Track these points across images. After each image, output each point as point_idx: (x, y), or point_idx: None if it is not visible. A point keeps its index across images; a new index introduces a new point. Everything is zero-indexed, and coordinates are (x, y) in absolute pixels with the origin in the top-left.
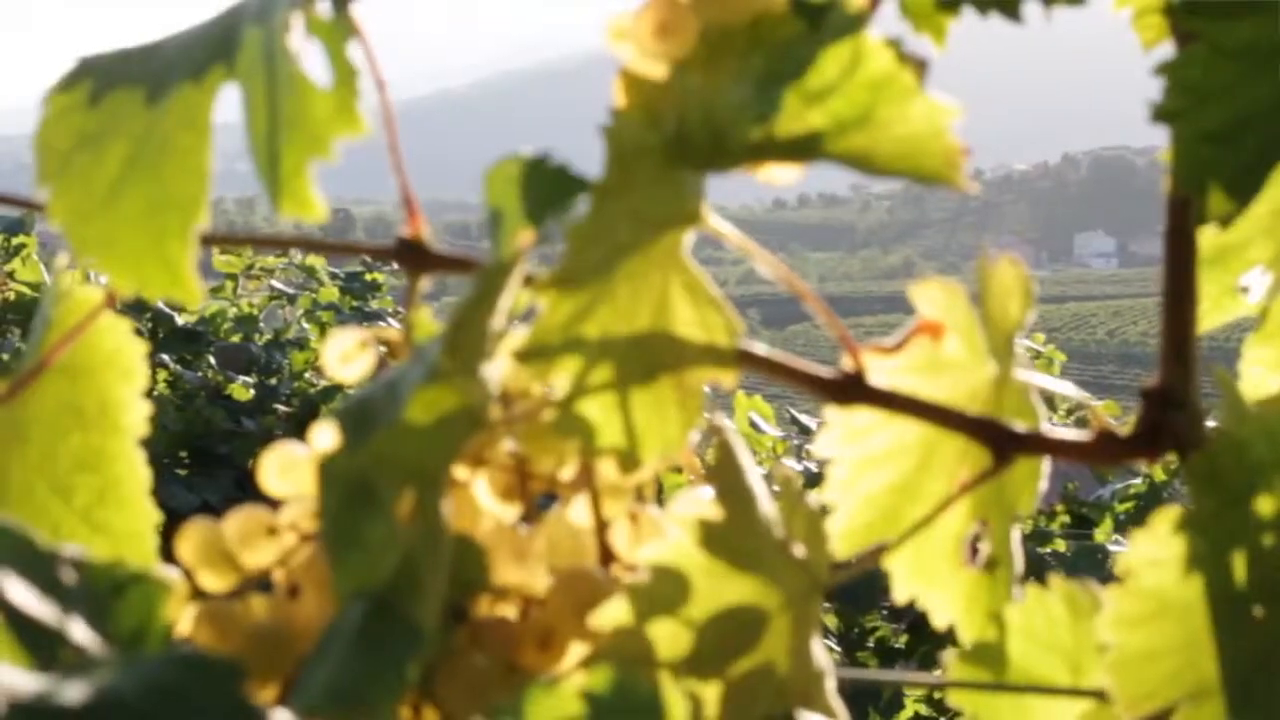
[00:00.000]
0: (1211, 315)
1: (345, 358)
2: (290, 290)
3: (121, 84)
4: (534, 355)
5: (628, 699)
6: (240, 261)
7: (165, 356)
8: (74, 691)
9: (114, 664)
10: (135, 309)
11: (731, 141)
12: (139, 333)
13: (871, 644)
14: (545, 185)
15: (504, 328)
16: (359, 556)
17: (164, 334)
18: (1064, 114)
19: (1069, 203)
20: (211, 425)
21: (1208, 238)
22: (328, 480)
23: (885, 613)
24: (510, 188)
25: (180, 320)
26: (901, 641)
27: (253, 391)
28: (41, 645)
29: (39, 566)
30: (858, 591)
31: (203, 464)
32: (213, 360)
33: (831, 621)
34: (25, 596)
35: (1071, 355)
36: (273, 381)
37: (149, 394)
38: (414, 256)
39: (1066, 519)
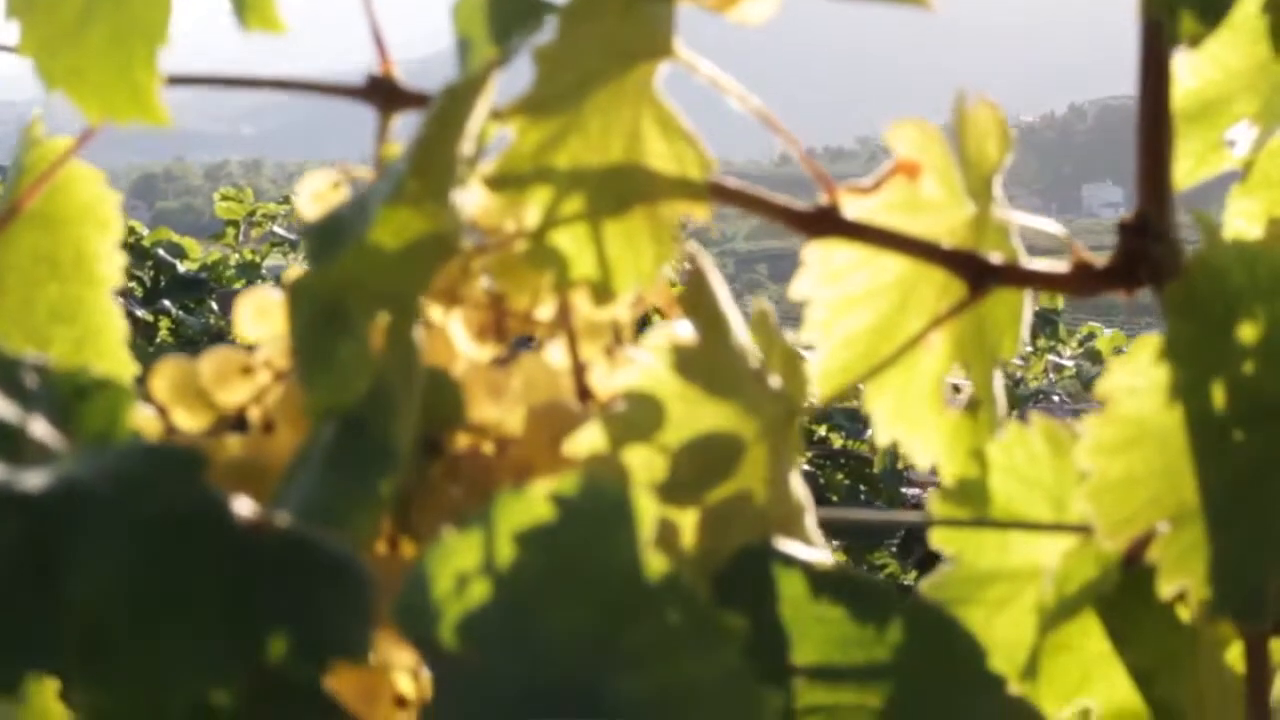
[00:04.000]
0: (1197, 170)
1: (318, 198)
2: (292, 236)
3: None
4: (504, 183)
5: (597, 501)
6: (242, 208)
7: (167, 303)
8: (36, 479)
9: (76, 456)
10: (137, 256)
11: None
12: (140, 281)
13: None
14: (512, 10)
15: (473, 154)
16: (330, 375)
17: (166, 281)
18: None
19: (1076, 153)
20: None
21: (1192, 94)
22: (297, 298)
23: (894, 550)
24: (477, 15)
25: (182, 268)
26: (910, 578)
27: None
28: (2, 443)
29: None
30: (866, 529)
31: None
32: (215, 307)
33: (840, 558)
34: None
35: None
36: None
37: (152, 342)
38: (384, 94)
39: None
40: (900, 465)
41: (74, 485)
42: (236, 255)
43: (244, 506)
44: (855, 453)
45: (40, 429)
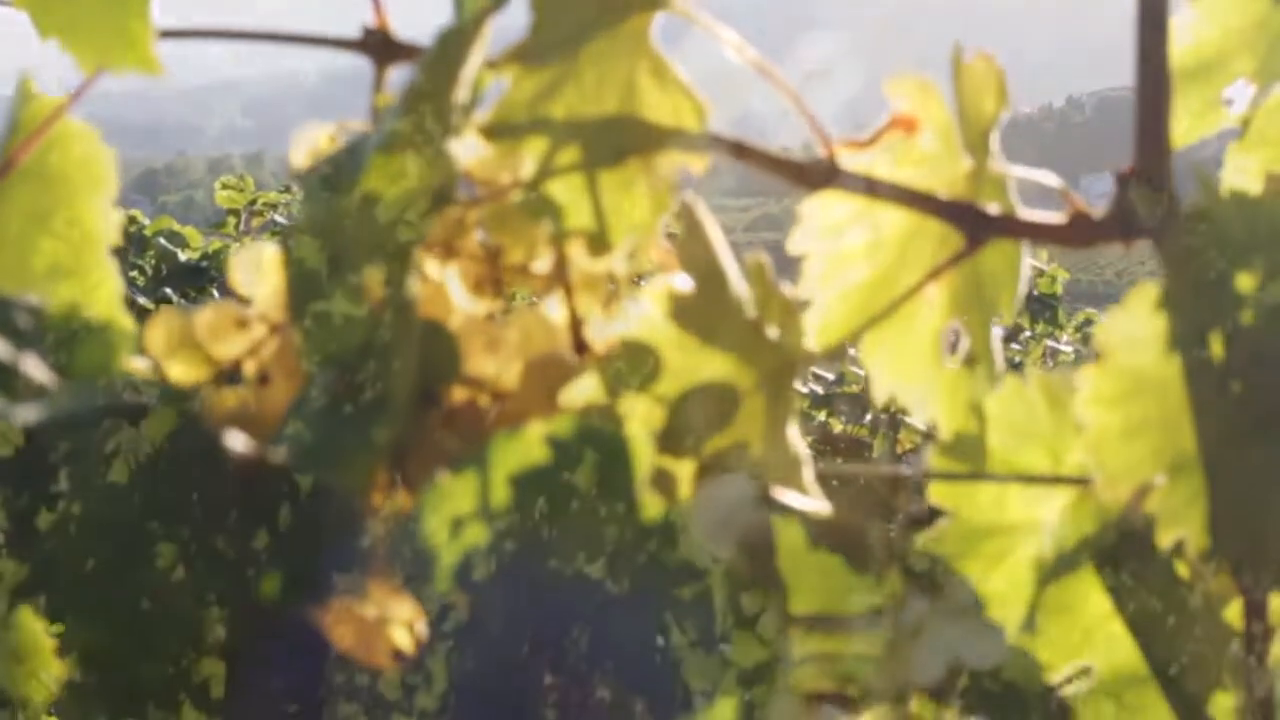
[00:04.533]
0: (1195, 128)
1: (313, 152)
2: None
3: None
4: (499, 132)
5: (592, 441)
6: (243, 197)
7: (169, 291)
8: (28, 413)
9: (69, 391)
10: (139, 245)
11: None
12: (142, 269)
13: None
14: None
15: (468, 101)
16: (325, 324)
17: (168, 270)
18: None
19: (1074, 145)
20: None
21: (1190, 52)
22: (292, 250)
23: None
24: None
25: (184, 257)
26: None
27: None
28: None
29: None
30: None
31: None
32: (217, 295)
33: None
34: None
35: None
36: None
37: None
38: (379, 46)
39: None
40: (899, 449)
41: (66, 417)
42: (238, 244)
43: (238, 442)
44: (856, 438)
45: (34, 368)
